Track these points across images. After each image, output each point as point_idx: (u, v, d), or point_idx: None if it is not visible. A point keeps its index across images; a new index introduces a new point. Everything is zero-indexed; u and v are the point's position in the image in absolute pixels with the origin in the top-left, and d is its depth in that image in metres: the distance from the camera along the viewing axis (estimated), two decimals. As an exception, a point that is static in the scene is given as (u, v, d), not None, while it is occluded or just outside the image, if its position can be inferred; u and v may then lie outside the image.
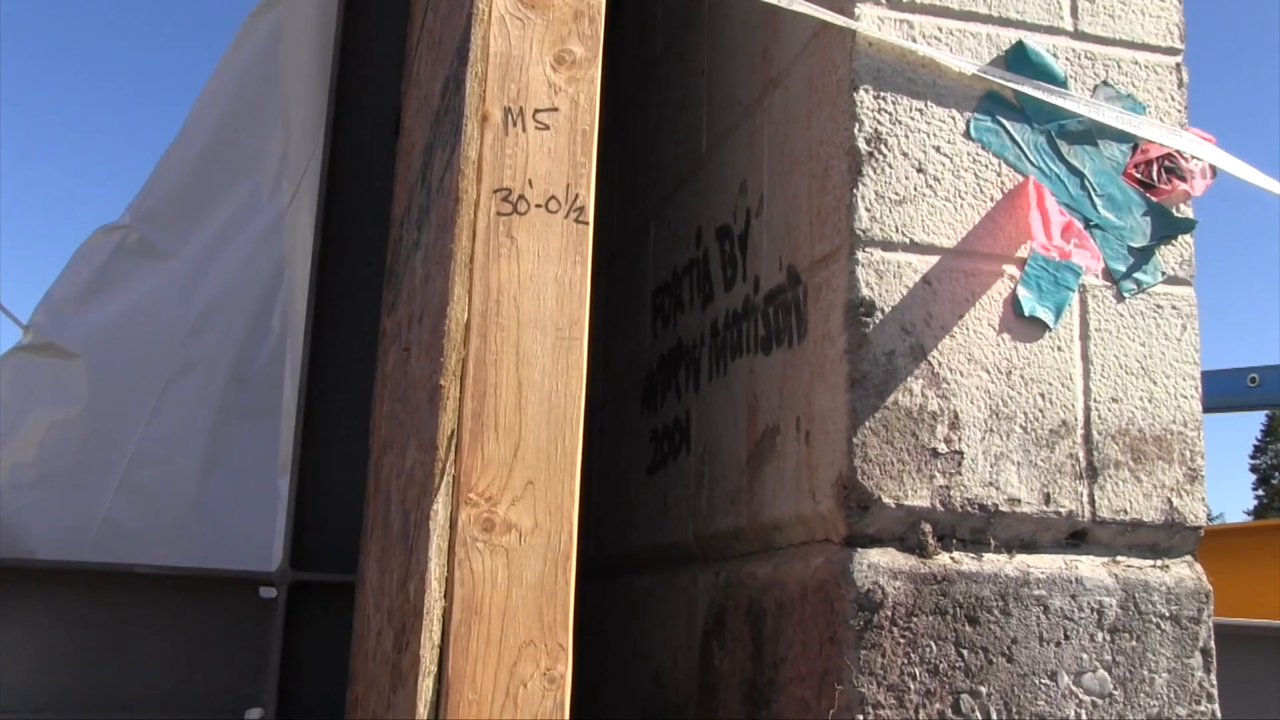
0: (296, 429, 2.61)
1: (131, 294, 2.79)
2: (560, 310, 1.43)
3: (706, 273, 2.02)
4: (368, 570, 2.12)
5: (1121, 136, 1.61)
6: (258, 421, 2.73)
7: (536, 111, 1.46)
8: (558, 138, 1.45)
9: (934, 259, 1.52)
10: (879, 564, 1.43)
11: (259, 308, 2.79)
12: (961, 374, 1.51)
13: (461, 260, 1.43)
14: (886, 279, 1.50)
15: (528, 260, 1.44)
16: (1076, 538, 1.52)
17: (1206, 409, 1.59)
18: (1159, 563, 1.52)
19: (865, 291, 1.49)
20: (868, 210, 1.51)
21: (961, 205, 1.54)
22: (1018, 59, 1.59)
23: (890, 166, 1.53)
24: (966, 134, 1.56)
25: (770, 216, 1.76)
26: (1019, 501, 1.49)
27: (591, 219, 1.46)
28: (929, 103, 1.56)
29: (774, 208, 1.75)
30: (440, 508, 1.37)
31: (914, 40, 1.56)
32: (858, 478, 1.45)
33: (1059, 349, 1.54)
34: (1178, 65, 1.64)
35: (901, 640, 1.42)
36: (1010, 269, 1.54)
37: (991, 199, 1.55)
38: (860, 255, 1.50)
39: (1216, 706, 1.47)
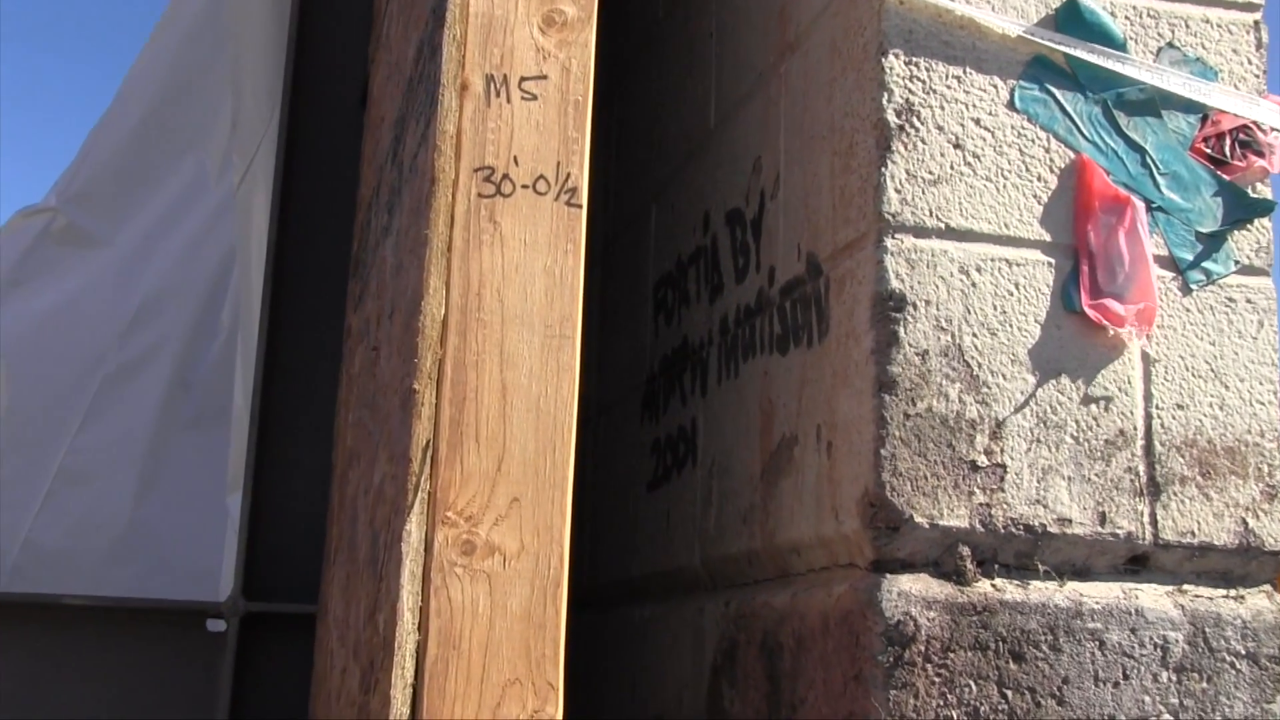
0: (249, 440, 2.63)
1: (58, 286, 2.80)
2: (550, 305, 1.45)
3: (715, 262, 2.04)
4: (331, 600, 2.13)
5: (1189, 106, 1.62)
6: (204, 431, 2.75)
7: (523, 80, 1.47)
8: (547, 109, 1.47)
9: (973, 246, 1.54)
10: (911, 592, 1.45)
11: (206, 302, 2.80)
12: (1004, 377, 1.52)
13: (438, 248, 1.44)
14: (919, 269, 1.52)
15: (513, 248, 1.45)
16: (1136, 563, 1.53)
17: (1284, 417, 1.60)
18: (1232, 592, 1.53)
19: (895, 283, 1.51)
20: (898, 192, 1.53)
21: (1004, 186, 1.56)
22: (1070, 18, 1.61)
23: (923, 142, 1.54)
24: (1010, 105, 1.58)
25: (787, 199, 1.78)
26: (1070, 522, 1.51)
27: (585, 201, 1.48)
28: (968, 69, 1.57)
29: (792, 189, 1.77)
30: (414, 528, 1.39)
31: (951, -2, 1.58)
32: (886, 494, 1.46)
33: (1116, 349, 1.56)
34: (1256, 23, 1.65)
35: (936, 679, 1.44)
36: (1059, 258, 1.56)
37: (1039, 178, 1.57)
38: (889, 242, 1.52)
39: (1298, 757, 1.48)
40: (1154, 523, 1.53)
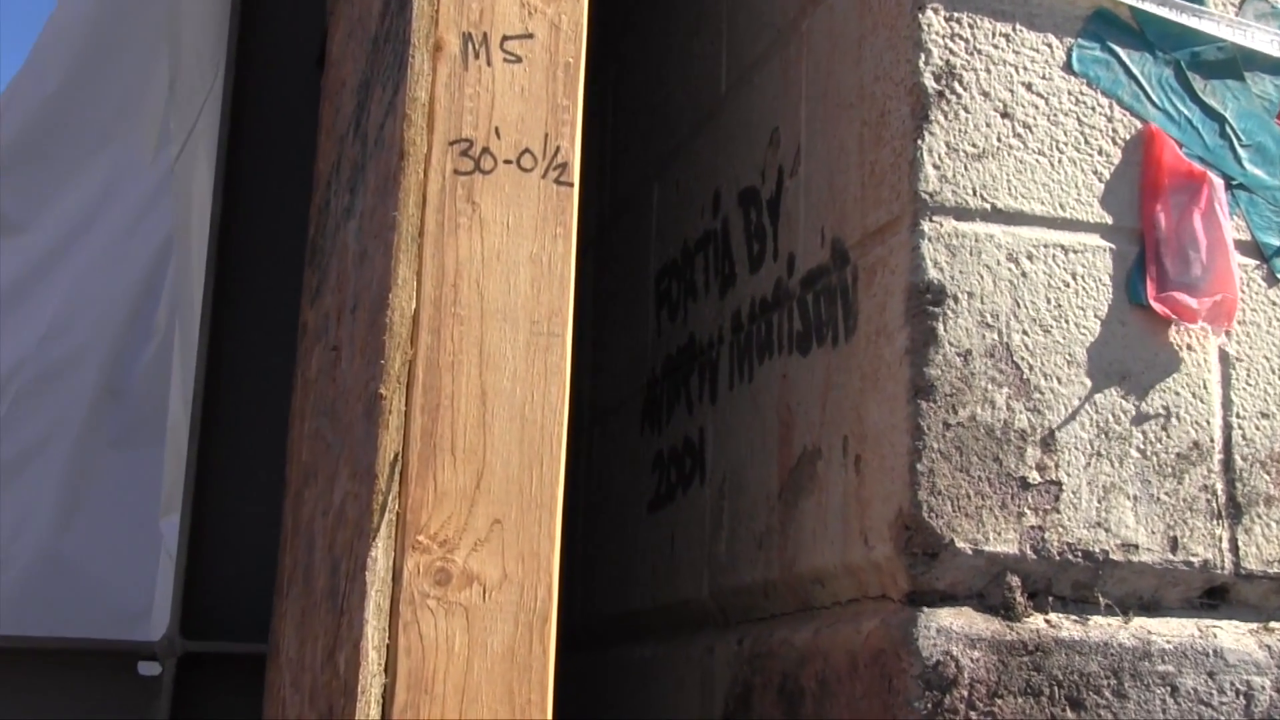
0: (188, 455, 2.64)
1: (-36, 280, 2.80)
2: (536, 298, 1.46)
3: (726, 249, 2.05)
4: (283, 638, 2.15)
5: (1277, 68, 1.63)
6: (135, 446, 2.76)
7: (505, 39, 1.49)
8: (533, 73, 1.49)
9: (1023, 230, 1.55)
10: (952, 628, 1.46)
11: (138, 298, 2.81)
12: (1059, 380, 1.54)
13: (407, 232, 1.46)
14: (961, 257, 1.53)
15: (494, 233, 1.47)
16: (1214, 596, 1.54)
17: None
18: (1325, 630, 1.54)
19: (933, 273, 1.52)
20: (936, 167, 1.54)
21: (1060, 160, 1.57)
22: (1134, -31, 1.62)
23: (966, 110, 1.56)
24: (1067, 67, 1.60)
25: (809, 176, 1.79)
26: (1136, 547, 1.52)
27: (577, 179, 1.49)
28: (1018, 26, 1.59)
29: (814, 164, 1.78)
30: (380, 555, 1.40)
31: (998, -55, 1.59)
32: (923, 515, 1.48)
33: (1189, 348, 1.57)
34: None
35: (981, 728, 1.45)
36: (1123, 244, 1.57)
37: (1100, 152, 1.59)
38: (927, 226, 1.53)
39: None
40: (1234, 549, 1.54)
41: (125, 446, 2.76)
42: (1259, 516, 1.54)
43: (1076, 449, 1.52)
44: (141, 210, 2.83)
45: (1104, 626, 1.50)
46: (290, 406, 2.51)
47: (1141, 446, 1.54)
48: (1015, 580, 1.49)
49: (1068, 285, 1.55)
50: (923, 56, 1.56)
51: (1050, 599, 1.51)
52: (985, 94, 1.56)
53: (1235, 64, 1.62)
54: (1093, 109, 1.59)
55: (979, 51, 1.57)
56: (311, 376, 2.17)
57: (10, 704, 2.54)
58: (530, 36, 1.49)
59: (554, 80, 1.50)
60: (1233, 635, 1.52)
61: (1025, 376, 1.52)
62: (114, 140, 2.85)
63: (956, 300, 1.52)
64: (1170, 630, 1.51)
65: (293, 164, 2.73)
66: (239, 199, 2.77)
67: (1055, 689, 1.47)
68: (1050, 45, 1.59)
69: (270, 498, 2.56)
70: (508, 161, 1.48)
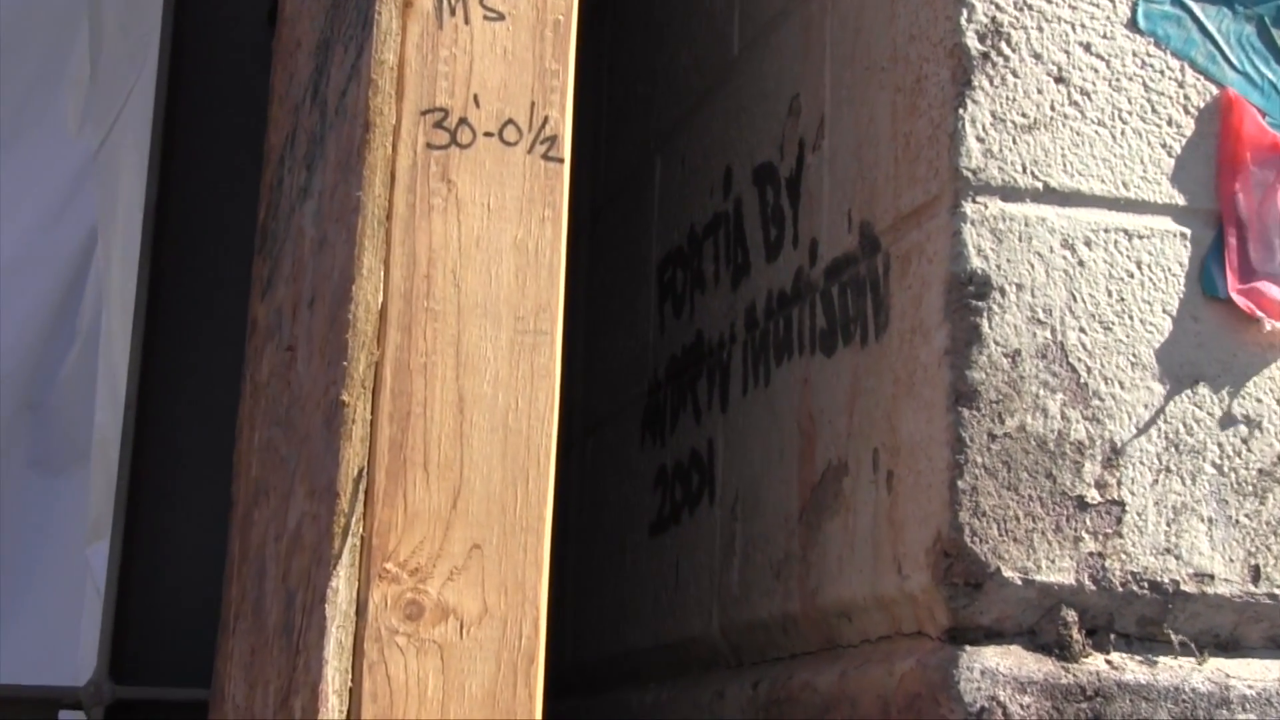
0: (119, 474, 2.64)
1: None
2: (521, 290, 1.47)
3: (739, 234, 2.06)
4: (229, 681, 2.15)
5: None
6: (57, 466, 2.76)
7: (486, -7, 1.50)
8: (517, 32, 1.49)
9: (1080, 213, 1.56)
10: (998, 670, 1.47)
11: (59, 298, 2.80)
12: (1121, 385, 1.54)
13: (374, 215, 1.46)
14: (1008, 243, 1.54)
15: (473, 215, 1.47)
16: (1301, 633, 1.55)
17: None
18: None
19: (976, 261, 1.53)
20: (980, 140, 1.55)
21: (1122, 132, 1.58)
22: (1207, -88, 1.63)
23: (1015, 75, 1.56)
24: (1132, 24, 1.60)
25: (835, 150, 1.80)
26: (1212, 578, 1.52)
27: (568, 154, 1.50)
28: (1073, -22, 1.59)
29: (840, 137, 1.79)
30: (342, 585, 1.41)
31: (1051, -115, 1.60)
32: (965, 540, 1.48)
33: (1274, 347, 1.58)
34: None
35: (1032, 784, 1.46)
36: (1197, 227, 1.58)
37: (1169, 122, 1.59)
38: (969, 207, 1.54)
39: None
40: (1325, 579, 1.54)
41: (46, 466, 2.76)
42: (1352, 542, 1.55)
43: (1142, 464, 1.53)
44: (61, 202, 2.82)
45: (1175, 669, 1.50)
46: (237, 415, 2.52)
47: (1218, 461, 1.55)
48: (1071, 615, 1.50)
49: (1132, 276, 1.56)
50: (965, 13, 1.56)
51: (1112, 637, 1.51)
52: (1037, 56, 1.57)
53: (1326, 21, 1.63)
54: (1161, 72, 1.60)
55: (1029, 7, 1.58)
56: (262, 380, 2.17)
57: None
58: (515, -10, 1.50)
59: (541, 41, 1.50)
60: (1323, 679, 1.52)
61: (1083, 381, 1.53)
62: (26, 122, 2.84)
63: (1003, 293, 1.53)
64: (1252, 674, 1.52)
65: (239, 137, 2.73)
66: (176, 178, 2.77)
67: (1117, 739, 1.48)
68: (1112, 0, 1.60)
69: (214, 521, 2.56)
70: (488, 134, 1.49)
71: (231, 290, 2.65)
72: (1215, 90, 1.60)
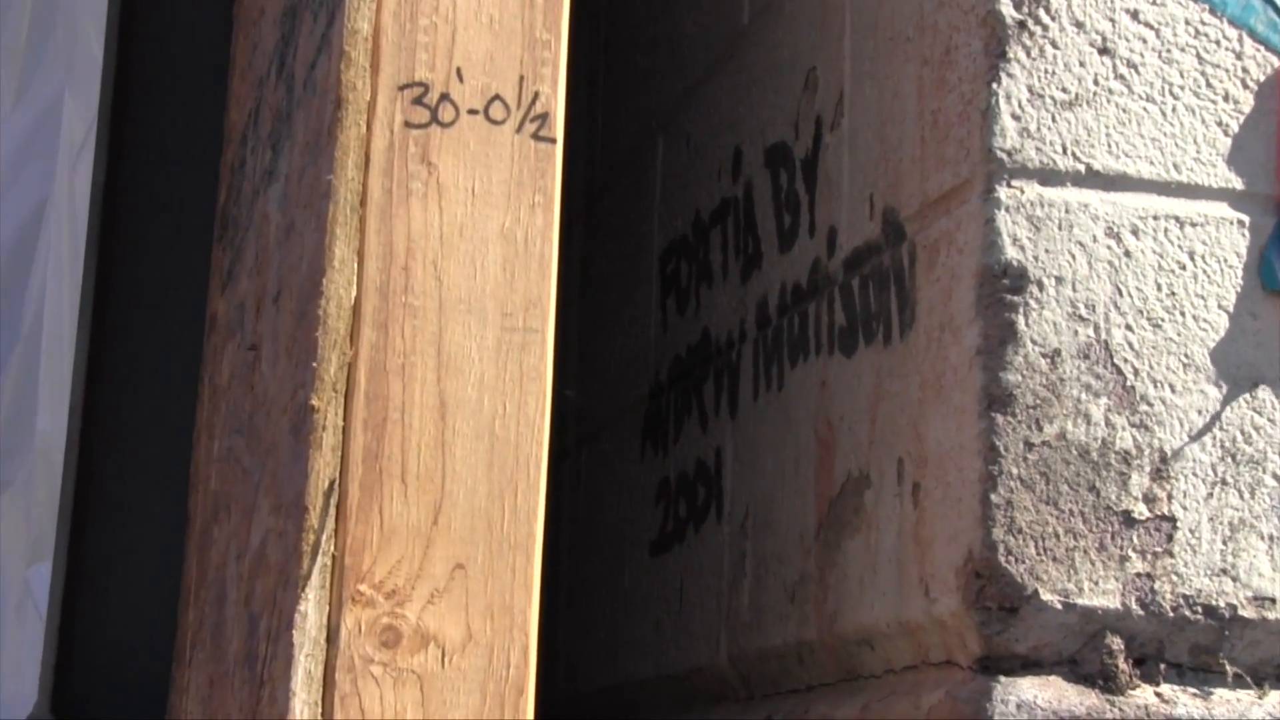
0: (63, 486, 2.64)
1: None
2: (509, 284, 1.47)
3: (750, 221, 2.07)
4: (185, 715, 2.16)
5: None
6: (-5, 477, 2.76)
7: (470, -45, 1.50)
8: (504, 0, 1.49)
9: (1127, 198, 1.56)
10: (1036, 703, 1.47)
11: (-5, 290, 2.80)
12: (1172, 388, 1.55)
13: (346, 201, 1.47)
14: (1047, 231, 1.54)
15: (456, 201, 1.47)
16: (1373, 664, 1.55)
17: None
18: None
19: (1012, 252, 1.53)
20: (1016, 118, 1.55)
21: (1174, 109, 1.58)
22: None
23: (1055, 45, 1.57)
24: (1182, -11, 1.61)
25: (855, 129, 1.80)
26: (1273, 602, 1.52)
27: (561, 134, 1.50)
28: (1118, -61, 1.60)
29: (862, 114, 1.79)
30: (311, 610, 1.41)
31: None
32: (999, 559, 1.49)
33: (1337, 347, 1.58)
34: None
35: (1073, 829, 1.46)
36: (1256, 214, 1.58)
37: (1226, 97, 1.59)
38: (1003, 192, 1.54)
39: None
40: (1399, 604, 1.54)
41: (-18, 475, 2.76)
42: None
43: (1195, 475, 1.53)
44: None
45: (1232, 702, 1.51)
46: (195, 422, 2.52)
47: (1279, 473, 1.55)
48: (1117, 642, 1.50)
49: (1184, 268, 1.56)
50: (998, -22, 1.57)
51: (1162, 666, 1.51)
52: (1079, 24, 1.57)
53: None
54: (1217, 43, 1.60)
55: (1070, -30, 1.58)
56: (222, 383, 2.17)
57: None
58: (502, -48, 1.50)
59: (531, 8, 1.51)
60: (1397, 714, 1.52)
61: (1129, 383, 1.54)
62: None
63: (1041, 286, 1.53)
64: (1316, 708, 1.52)
65: (196, 113, 2.74)
66: (127, 159, 2.76)
67: (1168, 780, 1.48)
68: (1161, -37, 1.60)
69: (168, 539, 2.56)
70: (473, 111, 1.49)
71: (188, 283, 2.65)
72: (1277, 62, 1.60)
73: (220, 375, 2.21)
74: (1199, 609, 1.51)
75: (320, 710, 1.40)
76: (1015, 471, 1.49)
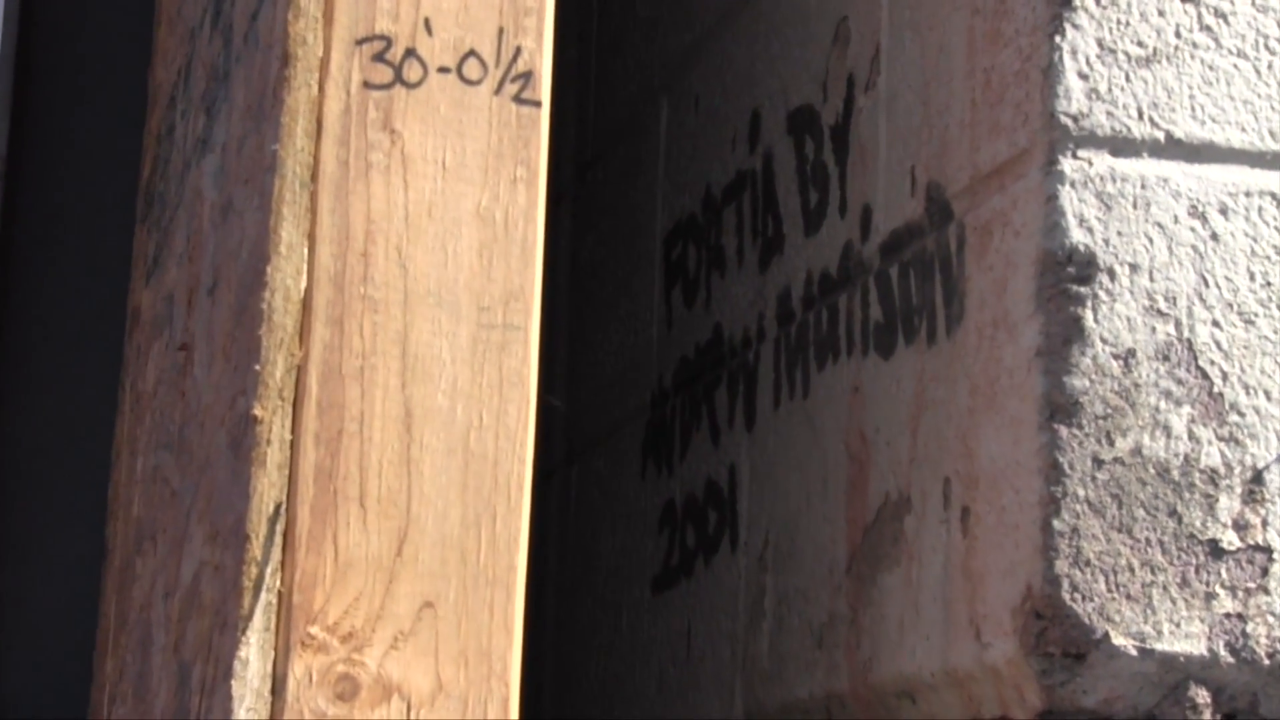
0: (-43, 510, 2.64)
1: None
2: (487, 273, 1.47)
3: (770, 198, 2.07)
4: (104, 784, 2.16)
5: None
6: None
7: (439, -115, 1.50)
8: (481, -63, 1.50)
9: (1214, 171, 1.56)
10: (1107, 765, 1.48)
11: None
12: (1269, 395, 1.55)
13: (295, 176, 1.47)
14: (1120, 210, 1.55)
15: (424, 175, 1.48)
16: None
17: None
18: None
19: (1078, 234, 1.54)
20: (1084, 77, 1.56)
21: (1269, 65, 1.58)
22: None
23: (1127, -9, 1.58)
24: (1279, -75, 1.61)
25: (894, 90, 1.81)
26: (1385, 646, 1.53)
27: (547, 96, 1.51)
28: None
29: (901, 73, 1.80)
30: (253, 656, 1.42)
31: None
32: (1064, 597, 1.49)
33: None
34: None
35: None
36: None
37: (1328, 54, 1.60)
38: (1068, 164, 1.55)
39: None
40: None
41: None
42: None
43: (1293, 497, 1.54)
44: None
45: (1337, 766, 1.52)
46: (113, 436, 2.52)
47: (1392, 495, 1.56)
48: (1203, 694, 1.51)
49: (1280, 252, 1.57)
50: (1062, -89, 1.58)
51: (1256, 723, 1.52)
52: (1156, -32, 1.58)
53: None
54: (1318, -11, 1.61)
55: (1147, -98, 1.59)
56: (147, 390, 2.18)
57: None
58: (477, -118, 1.51)
59: (513, -52, 1.51)
60: None
61: (1217, 390, 1.54)
62: None
63: (1113, 275, 1.54)
64: None
65: (116, 71, 2.74)
66: (30, 123, 2.77)
67: None
68: (1254, -108, 1.61)
69: (81, 574, 2.56)
70: (444, 70, 1.50)
71: (105, 272, 2.65)
72: (1393, 11, 1.61)
73: (144, 380, 2.21)
74: (1300, 656, 1.52)
75: (264, 775, 1.41)
76: (1082, 493, 1.50)
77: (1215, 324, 1.54)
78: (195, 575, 1.64)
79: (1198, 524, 1.51)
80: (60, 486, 2.66)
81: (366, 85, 1.49)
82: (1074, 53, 1.55)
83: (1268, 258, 1.56)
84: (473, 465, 1.46)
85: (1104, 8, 1.56)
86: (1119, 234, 1.54)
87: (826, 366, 1.90)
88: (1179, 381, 1.53)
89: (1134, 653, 1.49)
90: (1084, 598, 1.49)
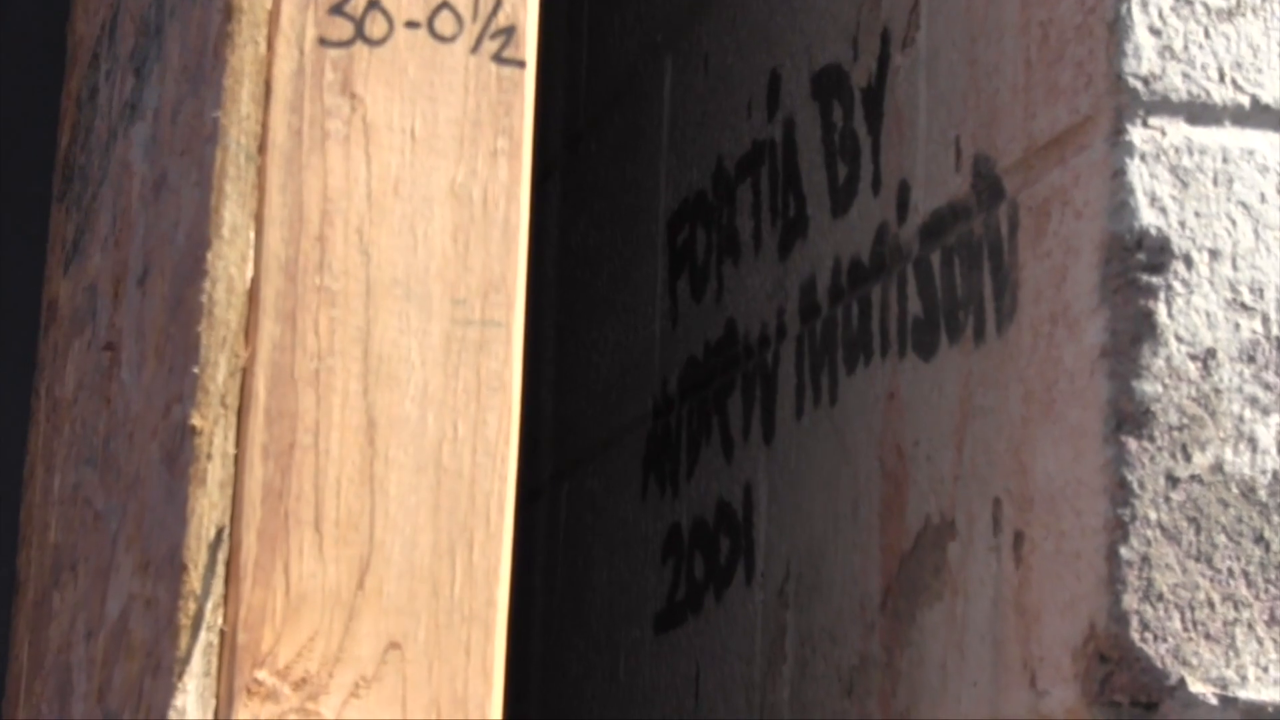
0: None
1: None
2: (463, 260, 1.48)
3: (791, 174, 2.07)
4: None
5: None
6: None
7: None
8: None
9: (1308, 142, 1.57)
10: (1182, 833, 1.48)
11: None
12: (1370, 403, 1.56)
13: (240, 147, 1.48)
14: (1198, 187, 1.55)
15: (390, 147, 1.48)
16: None
17: None
18: None
19: (1149, 216, 1.54)
20: (1156, 33, 1.56)
21: (1370, 20, 1.59)
22: None
23: (1206, -66, 1.58)
24: None
25: (936, 47, 1.81)
26: None
27: (533, 55, 1.51)
28: None
29: (944, 27, 1.80)
30: (191, 703, 1.42)
31: None
32: (1133, 637, 1.50)
33: None
34: None
35: None
36: None
37: None
38: (1138, 134, 1.55)
39: None
40: None
41: None
42: None
43: (1399, 521, 1.54)
44: None
45: None
46: (26, 448, 2.53)
47: None
48: (1293, 749, 1.51)
49: (1384, 237, 1.57)
50: None
51: (1355, 785, 1.53)
52: (1239, -94, 1.59)
53: None
54: None
55: None
56: (66, 396, 2.18)
57: None
58: None
59: (492, -116, 1.52)
60: None
61: (1310, 396, 1.55)
62: None
63: (1190, 263, 1.54)
64: None
65: (27, 26, 2.74)
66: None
67: None
68: None
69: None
70: (412, 24, 1.50)
71: (15, 258, 2.66)
72: None
73: (63, 385, 2.21)
74: None
75: (204, 844, 1.42)
76: (1154, 516, 1.51)
77: (1310, 319, 1.55)
78: (123, 611, 1.64)
79: (1288, 552, 1.52)
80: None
81: (323, 42, 1.50)
82: (1144, 4, 1.56)
83: (1371, 243, 1.57)
84: (446, 484, 1.46)
85: (1178, -46, 1.57)
86: (1197, 215, 1.55)
87: (857, 369, 1.90)
88: (1267, 386, 1.54)
89: (1214, 701, 1.50)
90: (1156, 637, 1.49)
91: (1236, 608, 1.51)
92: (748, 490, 2.10)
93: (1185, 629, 1.50)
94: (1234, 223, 1.55)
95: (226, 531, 1.45)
